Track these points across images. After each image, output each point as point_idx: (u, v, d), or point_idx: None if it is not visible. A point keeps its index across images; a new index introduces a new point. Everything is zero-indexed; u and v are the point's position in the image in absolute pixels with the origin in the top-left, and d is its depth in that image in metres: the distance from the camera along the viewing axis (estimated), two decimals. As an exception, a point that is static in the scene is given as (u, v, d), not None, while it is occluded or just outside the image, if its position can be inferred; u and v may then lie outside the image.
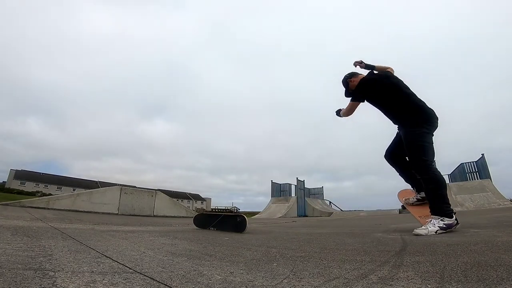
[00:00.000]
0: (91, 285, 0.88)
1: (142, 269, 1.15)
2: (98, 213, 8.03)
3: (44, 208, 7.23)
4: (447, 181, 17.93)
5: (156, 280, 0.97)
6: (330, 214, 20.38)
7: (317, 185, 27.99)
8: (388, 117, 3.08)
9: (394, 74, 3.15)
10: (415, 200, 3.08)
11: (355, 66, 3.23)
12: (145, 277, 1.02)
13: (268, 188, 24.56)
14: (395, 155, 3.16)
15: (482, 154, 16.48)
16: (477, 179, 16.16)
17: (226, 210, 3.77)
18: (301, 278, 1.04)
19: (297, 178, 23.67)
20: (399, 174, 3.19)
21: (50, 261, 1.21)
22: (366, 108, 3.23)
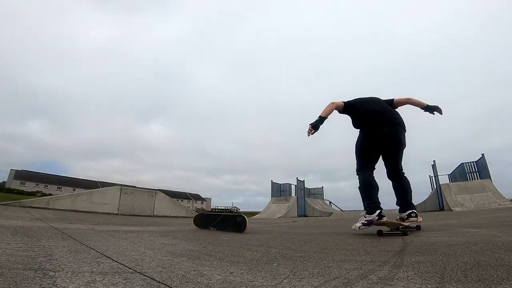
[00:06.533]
0: (91, 285, 0.88)
1: (142, 269, 1.15)
2: (98, 213, 8.02)
3: (44, 208, 7.22)
4: (447, 181, 17.97)
5: (156, 280, 0.97)
6: (330, 214, 20.38)
7: (315, 185, 27.91)
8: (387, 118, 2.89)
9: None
10: (405, 216, 2.83)
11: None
12: (145, 277, 1.02)
13: (267, 188, 24.50)
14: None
15: (482, 154, 16.44)
16: (477, 179, 16.10)
17: (226, 210, 3.77)
18: (301, 278, 1.04)
19: (297, 178, 23.64)
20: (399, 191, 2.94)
21: (50, 261, 1.21)
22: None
